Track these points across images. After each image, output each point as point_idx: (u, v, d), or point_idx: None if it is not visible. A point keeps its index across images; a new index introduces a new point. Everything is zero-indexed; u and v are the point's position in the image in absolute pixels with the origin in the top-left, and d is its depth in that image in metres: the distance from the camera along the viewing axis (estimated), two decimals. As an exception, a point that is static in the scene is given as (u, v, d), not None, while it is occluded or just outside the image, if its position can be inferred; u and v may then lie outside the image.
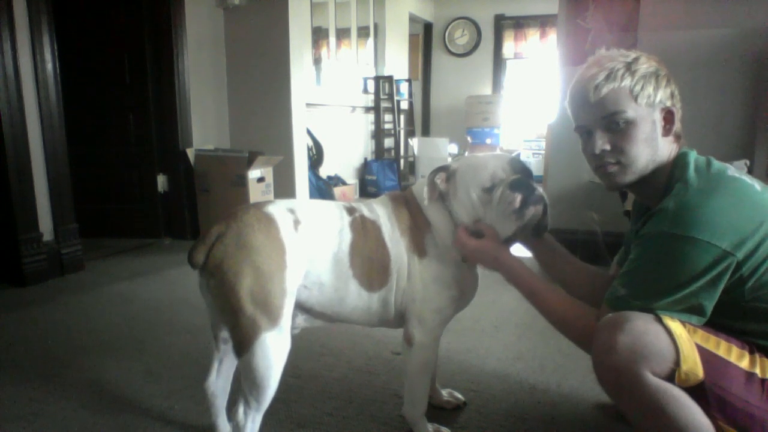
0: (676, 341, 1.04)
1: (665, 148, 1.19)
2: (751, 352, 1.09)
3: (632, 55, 1.19)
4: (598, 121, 1.19)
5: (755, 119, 2.94)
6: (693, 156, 1.18)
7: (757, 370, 1.06)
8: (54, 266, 3.04)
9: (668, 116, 1.18)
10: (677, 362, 1.03)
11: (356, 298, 1.37)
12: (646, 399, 1.04)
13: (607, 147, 1.18)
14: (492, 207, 1.33)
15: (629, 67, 1.16)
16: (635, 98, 1.15)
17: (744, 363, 1.06)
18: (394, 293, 1.39)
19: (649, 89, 1.16)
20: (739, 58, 2.96)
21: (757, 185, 1.12)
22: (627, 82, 1.15)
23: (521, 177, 1.33)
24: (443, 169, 1.40)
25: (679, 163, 1.17)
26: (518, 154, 6.34)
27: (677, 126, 1.20)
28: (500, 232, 1.33)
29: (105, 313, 2.52)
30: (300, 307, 1.35)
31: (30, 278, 2.89)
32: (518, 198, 1.29)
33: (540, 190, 1.34)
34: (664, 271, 1.08)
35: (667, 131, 1.19)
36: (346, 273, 1.34)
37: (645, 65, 1.17)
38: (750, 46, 2.92)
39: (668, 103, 1.18)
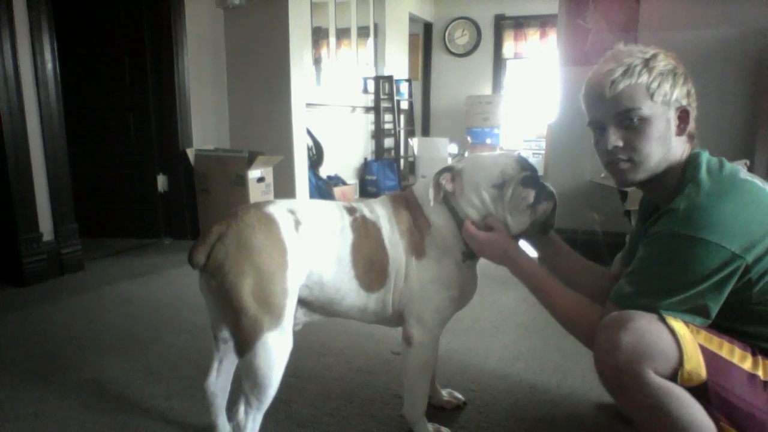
0: (680, 341, 1.03)
1: (678, 148, 1.18)
2: (754, 354, 1.09)
3: (651, 51, 1.17)
4: (613, 116, 1.17)
5: (755, 119, 2.94)
6: (705, 157, 1.17)
7: (760, 372, 1.06)
8: (54, 266, 3.03)
9: (683, 115, 1.17)
10: (680, 362, 1.03)
11: (355, 297, 1.38)
12: (648, 398, 1.04)
13: (620, 143, 1.17)
14: (504, 203, 1.34)
15: (647, 64, 1.14)
16: (651, 95, 1.14)
17: (746, 364, 1.06)
18: (392, 294, 1.40)
19: (666, 87, 1.14)
20: (739, 58, 2.96)
21: None
22: (644, 78, 1.14)
23: (531, 174, 1.35)
24: (448, 169, 1.41)
25: (691, 163, 1.16)
26: (518, 154, 6.34)
27: (691, 126, 1.19)
28: (512, 228, 1.34)
29: (105, 313, 2.52)
30: (299, 301, 1.35)
31: (30, 278, 2.89)
32: (532, 194, 1.31)
33: (550, 187, 1.35)
34: (671, 271, 1.07)
35: (681, 130, 1.18)
36: (348, 273, 1.35)
37: (663, 62, 1.15)
38: (750, 46, 2.92)
39: (684, 102, 1.16)
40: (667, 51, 1.19)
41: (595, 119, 1.23)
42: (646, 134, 1.15)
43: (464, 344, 2.11)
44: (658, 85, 1.14)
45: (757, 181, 1.12)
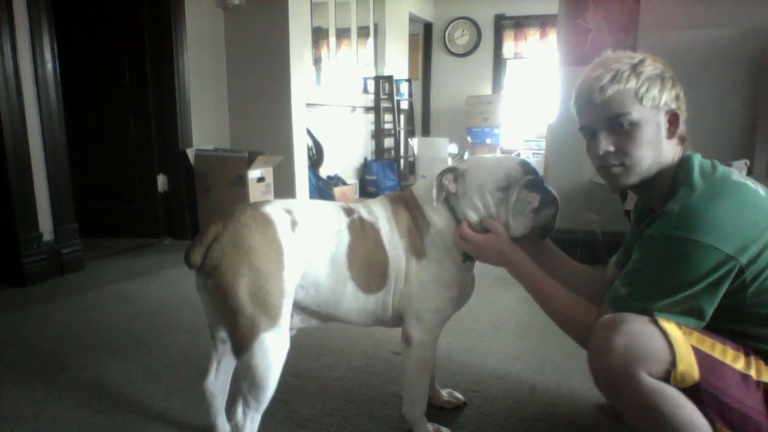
0: (672, 343, 1.04)
1: (669, 151, 1.19)
2: (746, 355, 1.09)
3: (638, 56, 1.18)
4: (603, 122, 1.18)
5: (755, 119, 2.94)
6: (697, 159, 1.18)
7: (752, 372, 1.07)
8: (54, 266, 3.03)
9: (673, 119, 1.18)
10: (673, 363, 1.04)
11: (353, 299, 1.37)
12: (642, 399, 1.04)
13: (611, 148, 1.18)
14: (508, 206, 1.34)
15: (635, 69, 1.16)
16: (640, 100, 1.15)
17: (739, 365, 1.07)
18: (392, 295, 1.40)
19: (655, 91, 1.15)
20: (739, 58, 2.95)
21: (761, 190, 1.12)
22: (632, 83, 1.15)
23: (535, 177, 1.36)
24: (451, 170, 1.41)
25: (683, 166, 1.17)
26: (518, 154, 6.35)
27: (682, 128, 1.19)
28: (513, 231, 1.35)
29: (105, 313, 2.52)
30: (295, 306, 1.35)
31: (30, 278, 2.89)
32: (537, 198, 1.32)
33: (553, 191, 1.36)
34: (666, 273, 1.08)
35: (671, 133, 1.18)
36: (343, 275, 1.35)
37: (651, 67, 1.16)
38: (750, 46, 2.92)
39: (673, 106, 1.17)
40: (655, 56, 1.20)
41: (586, 125, 1.24)
42: (636, 138, 1.16)
43: (464, 344, 2.11)
44: (647, 90, 1.15)
45: (750, 182, 1.13)
